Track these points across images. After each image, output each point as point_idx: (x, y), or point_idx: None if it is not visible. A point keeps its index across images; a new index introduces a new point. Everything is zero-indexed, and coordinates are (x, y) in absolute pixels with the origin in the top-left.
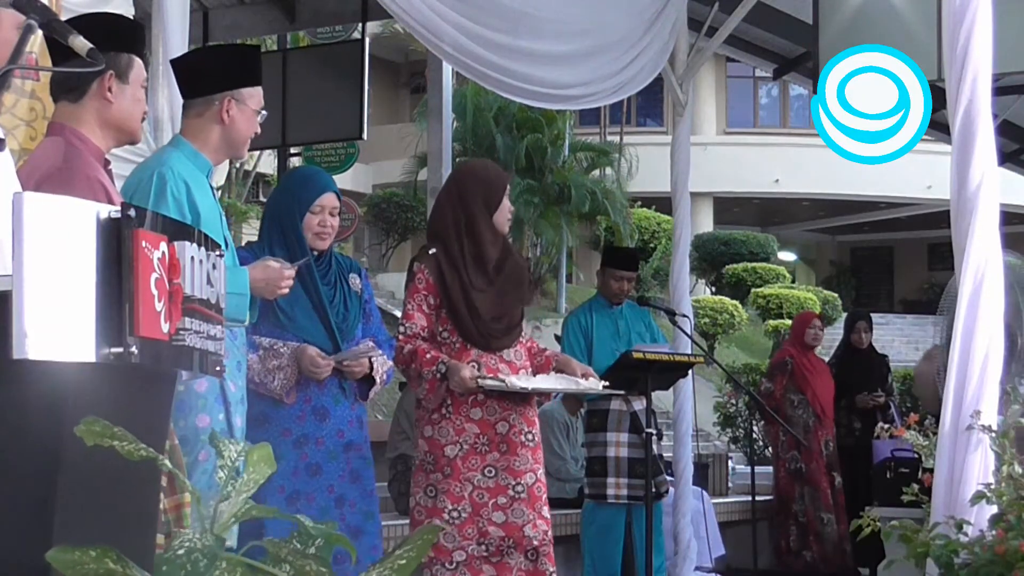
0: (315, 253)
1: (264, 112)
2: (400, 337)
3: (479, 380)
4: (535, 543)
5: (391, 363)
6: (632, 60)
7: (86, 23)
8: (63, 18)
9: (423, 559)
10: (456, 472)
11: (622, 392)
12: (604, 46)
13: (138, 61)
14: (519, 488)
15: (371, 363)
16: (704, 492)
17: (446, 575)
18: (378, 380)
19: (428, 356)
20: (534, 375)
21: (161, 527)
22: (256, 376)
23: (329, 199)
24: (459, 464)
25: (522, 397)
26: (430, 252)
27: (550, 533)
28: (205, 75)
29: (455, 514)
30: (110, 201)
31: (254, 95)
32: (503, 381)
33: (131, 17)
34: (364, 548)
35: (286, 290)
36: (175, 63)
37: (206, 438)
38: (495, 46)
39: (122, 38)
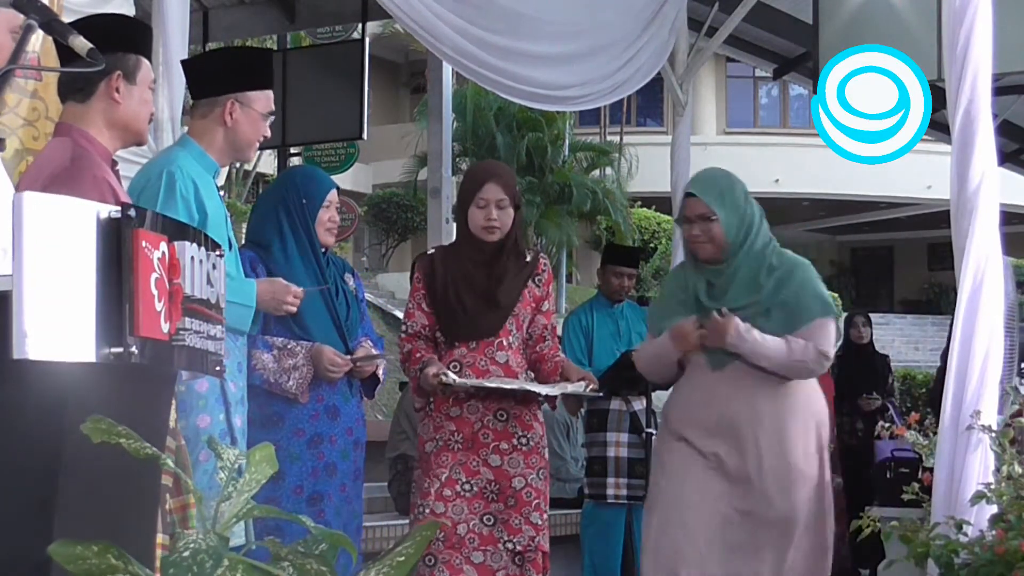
0: (323, 250)
1: (272, 115)
2: (402, 336)
3: (441, 378)
4: (520, 548)
5: (385, 361)
6: (629, 60)
7: (95, 24)
8: (65, 18)
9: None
10: (428, 468)
11: (599, 394)
12: (601, 47)
13: (146, 62)
14: (478, 484)
15: None
16: None
17: (424, 571)
18: (381, 379)
19: (417, 356)
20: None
21: (166, 527)
22: (271, 376)
23: (335, 194)
24: (432, 460)
25: (516, 399)
26: (428, 252)
27: (538, 540)
28: (211, 76)
29: (422, 510)
30: (118, 202)
31: (261, 98)
32: (452, 380)
33: (140, 18)
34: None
35: (292, 308)
36: (185, 64)
37: (207, 438)
38: (493, 47)
39: (131, 39)
